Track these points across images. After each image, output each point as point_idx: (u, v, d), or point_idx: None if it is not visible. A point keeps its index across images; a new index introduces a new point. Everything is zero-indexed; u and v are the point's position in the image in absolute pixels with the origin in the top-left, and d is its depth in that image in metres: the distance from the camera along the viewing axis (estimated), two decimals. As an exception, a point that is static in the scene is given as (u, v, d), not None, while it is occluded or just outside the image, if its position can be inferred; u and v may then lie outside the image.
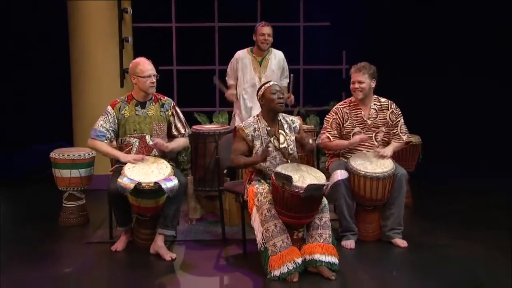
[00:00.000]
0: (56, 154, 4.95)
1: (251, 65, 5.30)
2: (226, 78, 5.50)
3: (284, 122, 4.15)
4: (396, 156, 4.80)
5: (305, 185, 3.62)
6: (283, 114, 4.21)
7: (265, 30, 5.20)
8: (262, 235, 3.79)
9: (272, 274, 3.70)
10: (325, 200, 3.93)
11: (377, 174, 4.30)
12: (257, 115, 4.15)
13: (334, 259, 3.79)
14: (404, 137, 4.61)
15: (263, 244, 3.78)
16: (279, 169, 3.78)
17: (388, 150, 4.50)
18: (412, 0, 7.56)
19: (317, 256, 3.76)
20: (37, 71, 8.46)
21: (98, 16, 6.26)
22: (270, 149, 3.97)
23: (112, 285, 3.79)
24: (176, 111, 4.52)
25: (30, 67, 8.40)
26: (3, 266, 4.04)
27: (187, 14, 7.52)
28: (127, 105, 4.40)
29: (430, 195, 6.00)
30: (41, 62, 8.36)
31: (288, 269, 3.68)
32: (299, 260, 3.73)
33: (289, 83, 5.44)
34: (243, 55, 5.34)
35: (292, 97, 5.40)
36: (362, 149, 4.55)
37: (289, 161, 4.03)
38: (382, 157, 4.44)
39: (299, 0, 7.51)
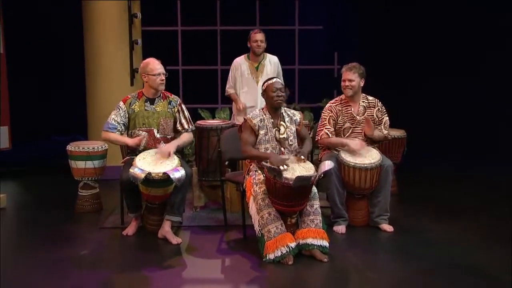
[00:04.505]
0: (72, 147, 4.94)
1: (248, 70, 5.30)
2: (227, 87, 5.45)
3: (286, 115, 4.14)
4: (383, 149, 4.82)
5: (294, 177, 3.61)
6: (286, 108, 4.20)
7: (258, 37, 5.20)
8: (259, 223, 3.79)
9: (267, 257, 3.70)
10: (314, 189, 3.92)
11: (365, 165, 4.30)
12: (262, 109, 4.15)
13: (325, 243, 3.80)
14: (385, 132, 4.58)
15: (260, 230, 3.79)
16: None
17: (375, 134, 4.50)
18: (398, 5, 7.57)
19: (310, 240, 3.76)
20: (55, 70, 8.47)
21: (110, 20, 6.27)
22: (287, 167, 3.76)
23: (124, 266, 3.78)
24: (181, 108, 4.50)
25: (48, 67, 8.41)
26: (27, 247, 4.09)
27: (192, 19, 7.52)
28: (137, 101, 4.38)
29: (414, 184, 5.98)
30: (58, 62, 8.37)
31: (282, 253, 3.68)
32: (293, 245, 3.72)
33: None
34: (241, 62, 5.33)
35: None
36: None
37: (285, 152, 4.00)
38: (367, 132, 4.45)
39: (294, 5, 7.48)
